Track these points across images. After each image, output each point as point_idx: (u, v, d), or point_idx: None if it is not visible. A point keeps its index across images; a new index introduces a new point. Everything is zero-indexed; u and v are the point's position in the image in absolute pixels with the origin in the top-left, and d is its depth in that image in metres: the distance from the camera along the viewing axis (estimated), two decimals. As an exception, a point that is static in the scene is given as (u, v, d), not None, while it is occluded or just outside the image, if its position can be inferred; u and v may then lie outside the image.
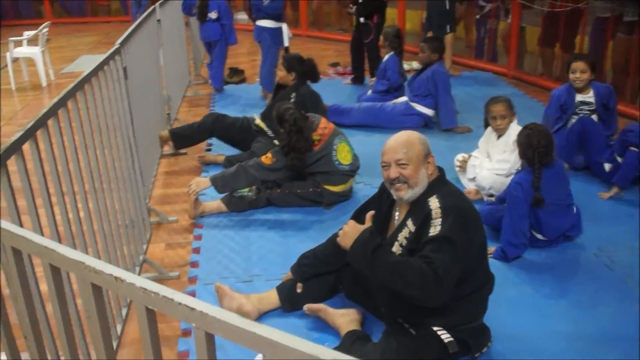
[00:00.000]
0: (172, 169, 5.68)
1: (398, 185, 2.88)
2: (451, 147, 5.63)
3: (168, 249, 4.25)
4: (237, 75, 8.91)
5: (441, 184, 2.91)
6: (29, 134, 2.23)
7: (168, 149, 5.83)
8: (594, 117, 5.06)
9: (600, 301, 3.44)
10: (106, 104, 3.34)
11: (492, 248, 3.85)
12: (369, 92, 7.16)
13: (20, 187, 2.19)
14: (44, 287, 1.66)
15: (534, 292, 3.55)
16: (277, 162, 4.47)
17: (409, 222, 2.87)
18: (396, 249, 2.90)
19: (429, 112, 6.30)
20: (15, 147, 2.08)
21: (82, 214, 2.77)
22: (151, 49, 5.12)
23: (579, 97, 5.13)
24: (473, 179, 4.74)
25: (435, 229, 2.70)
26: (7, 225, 1.43)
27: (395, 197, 2.95)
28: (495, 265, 3.69)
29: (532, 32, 8.60)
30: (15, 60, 9.32)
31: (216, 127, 5.66)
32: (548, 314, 3.34)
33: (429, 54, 6.23)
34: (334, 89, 8.16)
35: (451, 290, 2.66)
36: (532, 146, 3.82)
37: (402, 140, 2.91)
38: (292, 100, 5.37)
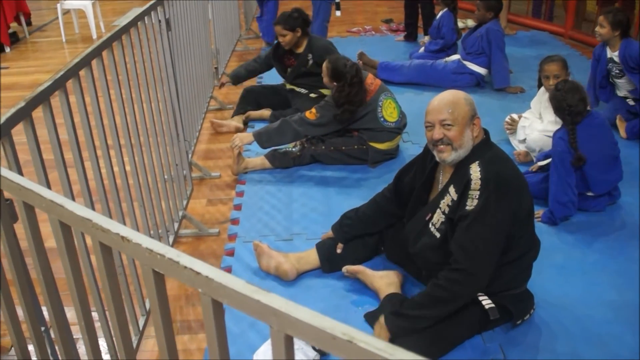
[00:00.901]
0: (217, 123, 5.61)
1: (441, 146, 2.75)
2: (503, 107, 5.46)
3: (209, 205, 4.21)
4: (288, 30, 8.78)
5: (486, 148, 2.77)
6: (59, 84, 2.15)
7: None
8: (624, 80, 4.86)
9: (651, 270, 3.29)
10: (146, 56, 3.27)
11: (539, 212, 3.72)
12: (421, 49, 7.02)
13: (48, 140, 2.13)
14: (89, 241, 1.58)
15: (582, 258, 3.41)
16: (321, 117, 4.38)
17: (452, 189, 2.76)
18: (438, 216, 2.80)
19: (481, 70, 6.12)
20: (43, 97, 2.00)
21: (116, 169, 2.71)
22: (198, 2, 5.03)
23: (609, 54, 4.92)
24: (523, 141, 4.58)
25: (472, 202, 2.60)
26: (12, 175, 1.36)
27: (438, 158, 2.82)
28: (542, 230, 3.58)
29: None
30: (66, 12, 9.34)
31: (252, 93, 5.60)
32: (595, 281, 3.21)
33: (484, 12, 6.02)
34: (386, 45, 8.03)
35: (491, 270, 2.61)
36: (563, 109, 3.69)
37: (447, 100, 2.76)
38: (309, 61, 5.23)
